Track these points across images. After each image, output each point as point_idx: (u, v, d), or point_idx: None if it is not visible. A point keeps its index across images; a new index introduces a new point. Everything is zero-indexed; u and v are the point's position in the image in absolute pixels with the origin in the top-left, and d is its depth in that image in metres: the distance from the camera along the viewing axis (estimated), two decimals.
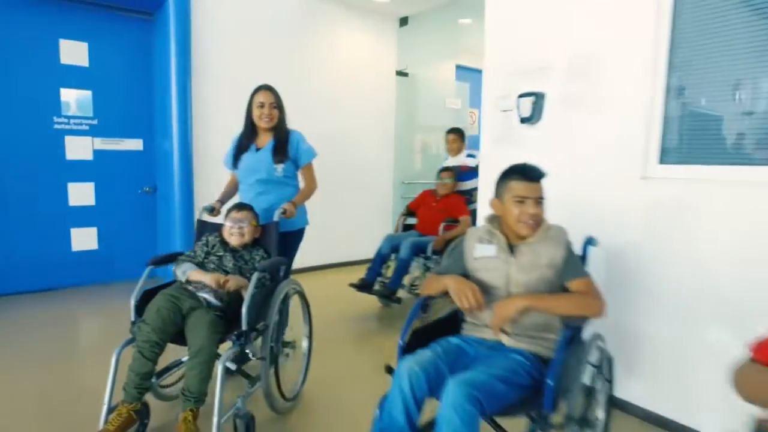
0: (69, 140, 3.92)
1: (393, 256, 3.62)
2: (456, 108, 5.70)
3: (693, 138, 2.12)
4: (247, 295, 1.84)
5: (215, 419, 1.65)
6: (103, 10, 3.92)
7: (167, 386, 2.17)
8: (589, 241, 1.74)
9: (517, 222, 1.59)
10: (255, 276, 1.90)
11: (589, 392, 1.49)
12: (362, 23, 5.04)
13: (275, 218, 2.24)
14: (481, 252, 1.64)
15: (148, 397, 1.88)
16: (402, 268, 3.45)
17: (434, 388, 1.38)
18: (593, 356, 1.56)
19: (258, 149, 2.41)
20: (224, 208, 2.31)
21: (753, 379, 0.98)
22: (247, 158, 2.41)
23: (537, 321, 1.53)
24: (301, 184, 2.54)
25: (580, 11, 2.33)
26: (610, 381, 1.78)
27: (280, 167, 2.38)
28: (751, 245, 1.85)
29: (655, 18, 2.09)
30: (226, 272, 2.04)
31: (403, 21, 5.27)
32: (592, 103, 2.31)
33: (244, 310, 1.81)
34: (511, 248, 1.62)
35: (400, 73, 5.39)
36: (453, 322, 1.74)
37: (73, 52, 3.87)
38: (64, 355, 2.75)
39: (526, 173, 1.62)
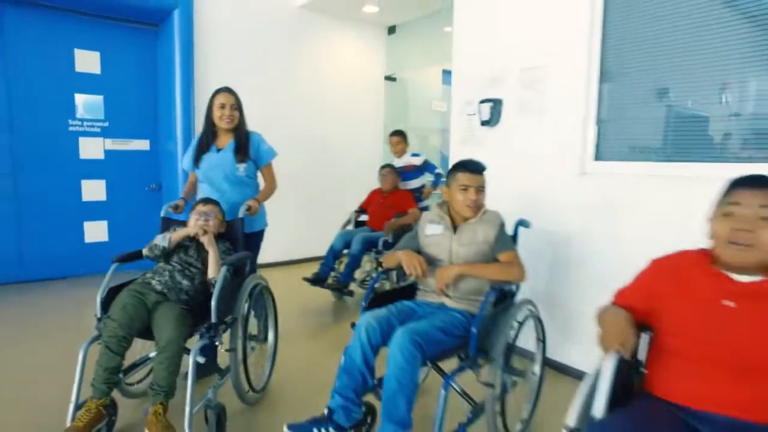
0: (83, 141, 4.30)
1: (346, 251, 3.76)
2: (442, 111, 6.06)
3: (622, 139, 2.48)
4: (216, 288, 1.89)
5: (187, 409, 1.68)
6: (114, 22, 4.29)
7: (133, 384, 2.18)
8: (521, 223, 2.10)
9: (461, 206, 1.95)
10: (223, 269, 1.94)
11: (514, 344, 1.84)
12: (353, 32, 5.41)
13: (240, 214, 2.30)
14: (431, 230, 2.00)
15: (115, 395, 1.89)
16: (353, 262, 3.61)
17: (386, 338, 1.74)
18: (520, 315, 1.92)
19: (219, 150, 2.46)
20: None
21: (605, 315, 1.34)
22: (208, 158, 2.45)
23: (472, 286, 1.89)
24: (262, 183, 2.61)
25: (531, 31, 2.69)
26: (543, 341, 2.13)
27: (242, 167, 2.44)
28: (666, 230, 2.20)
29: (588, 39, 2.45)
30: (190, 264, 2.08)
31: (391, 29, 5.64)
32: (540, 109, 2.67)
33: (213, 302, 1.85)
34: (455, 228, 1.98)
35: (389, 78, 5.76)
36: (410, 291, 2.10)
37: (87, 61, 4.25)
38: (73, 336, 3.04)
39: (470, 166, 1.98)
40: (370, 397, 1.80)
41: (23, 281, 4.13)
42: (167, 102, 4.36)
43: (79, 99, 4.25)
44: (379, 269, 3.15)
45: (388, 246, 3.55)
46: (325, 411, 1.68)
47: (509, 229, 2.03)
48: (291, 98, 4.96)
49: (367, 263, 3.86)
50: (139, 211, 4.59)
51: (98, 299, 1.91)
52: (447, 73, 6.15)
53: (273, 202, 2.67)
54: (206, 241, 2.05)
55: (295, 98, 4.99)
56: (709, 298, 1.19)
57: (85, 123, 4.30)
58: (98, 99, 4.33)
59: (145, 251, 2.07)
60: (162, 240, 2.03)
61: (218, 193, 2.42)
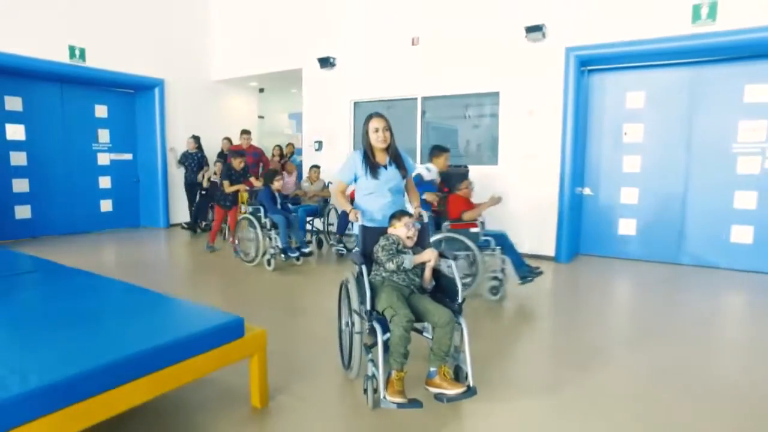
0: (99, 156, 7.87)
1: None
2: (289, 133, 10.79)
3: None
4: (456, 276, 2.40)
5: (469, 368, 2.28)
6: (114, 89, 7.94)
7: None
8: (330, 183, 7.04)
9: (312, 179, 6.79)
10: (453, 263, 2.48)
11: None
12: (240, 92, 9.75)
13: (425, 219, 2.83)
14: (306, 185, 6.82)
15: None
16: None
17: None
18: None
19: (386, 166, 2.85)
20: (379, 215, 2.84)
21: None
22: (382, 173, 2.82)
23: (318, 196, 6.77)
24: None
25: (332, 117, 7.66)
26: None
27: (404, 182, 2.93)
28: None
29: (349, 118, 7.54)
30: (415, 265, 2.57)
31: (261, 90, 10.14)
32: (336, 145, 7.65)
33: (459, 285, 2.38)
34: (311, 182, 6.83)
35: (260, 117, 10.24)
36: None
37: (101, 110, 7.83)
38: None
39: (314, 166, 6.86)
40: None
41: (72, 233, 7.57)
42: (147, 132, 8.19)
43: (100, 132, 7.82)
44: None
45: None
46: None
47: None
48: (209, 130, 9.10)
49: None
50: (128, 194, 8.28)
51: (368, 294, 2.38)
52: (291, 115, 10.89)
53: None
54: (431, 265, 2.57)
55: (211, 129, 9.13)
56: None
57: (101, 145, 7.87)
58: (107, 132, 7.93)
59: (392, 266, 2.51)
60: (409, 263, 2.51)
61: (391, 201, 2.84)
